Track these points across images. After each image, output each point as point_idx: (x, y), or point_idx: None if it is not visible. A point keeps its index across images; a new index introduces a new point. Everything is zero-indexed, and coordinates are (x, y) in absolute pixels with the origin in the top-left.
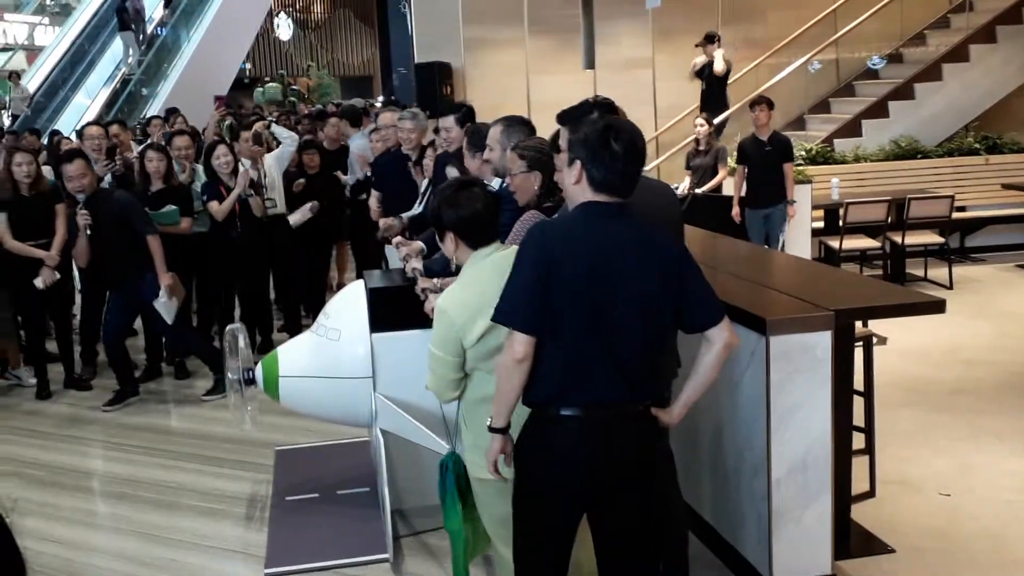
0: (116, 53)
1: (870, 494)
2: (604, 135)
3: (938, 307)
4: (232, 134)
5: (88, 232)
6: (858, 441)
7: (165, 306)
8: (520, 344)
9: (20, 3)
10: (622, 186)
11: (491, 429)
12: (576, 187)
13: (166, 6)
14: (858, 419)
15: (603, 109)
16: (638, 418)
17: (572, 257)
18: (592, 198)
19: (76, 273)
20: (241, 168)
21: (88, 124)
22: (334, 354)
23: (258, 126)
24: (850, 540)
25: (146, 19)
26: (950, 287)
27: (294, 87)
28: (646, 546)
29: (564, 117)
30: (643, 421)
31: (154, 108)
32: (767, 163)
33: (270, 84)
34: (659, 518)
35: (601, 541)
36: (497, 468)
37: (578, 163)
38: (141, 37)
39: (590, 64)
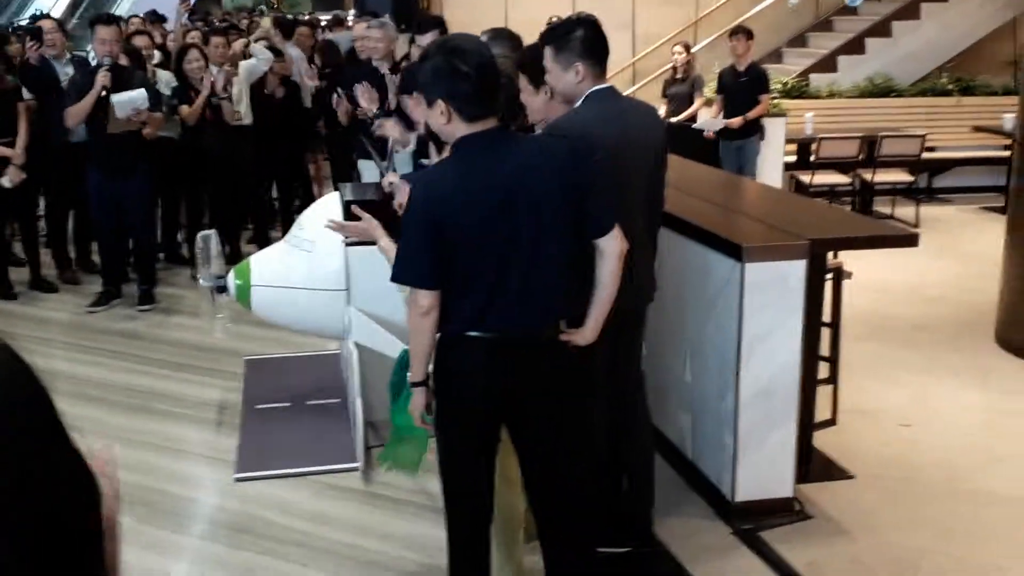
0: None
1: (831, 422)
2: (450, 61)
3: (910, 240)
4: None
5: (103, 93)
6: (822, 371)
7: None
8: (424, 298)
9: None
10: (490, 106)
11: (411, 384)
12: (449, 126)
13: None
14: (823, 350)
15: (588, 27)
16: (547, 342)
17: (460, 204)
18: (468, 131)
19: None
20: (209, 73)
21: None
22: (308, 265)
23: (237, 45)
24: (811, 465)
25: None
26: (916, 226)
27: None
28: (570, 470)
29: (549, 36)
30: (552, 345)
31: (122, 8)
32: (742, 94)
33: None
34: (583, 442)
35: (523, 465)
36: (423, 419)
37: (440, 102)
38: None
39: None
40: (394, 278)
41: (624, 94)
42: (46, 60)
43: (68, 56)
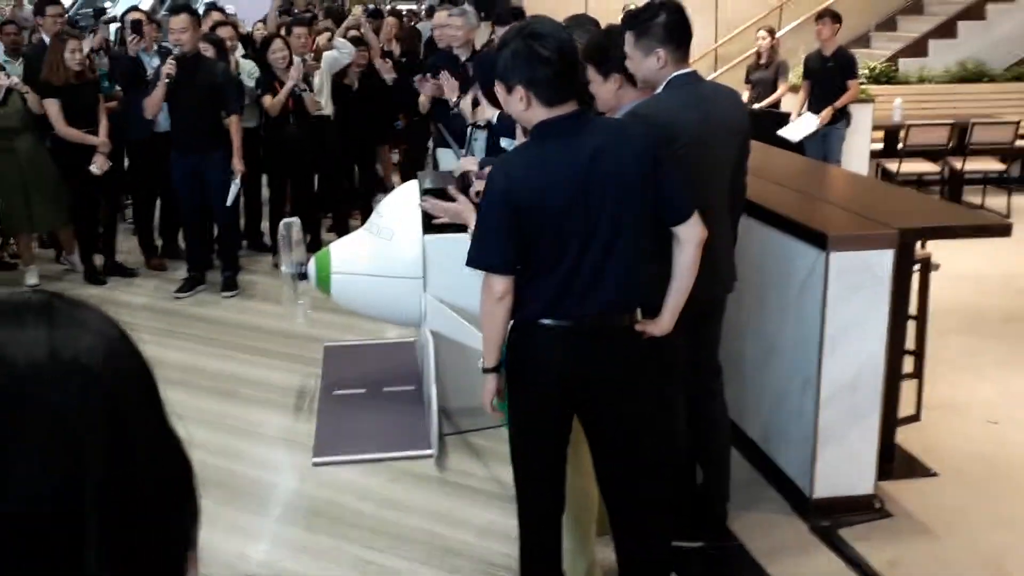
0: None
1: (916, 418)
2: (529, 46)
3: (1004, 230)
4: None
5: (167, 81)
6: (907, 366)
7: (233, 187)
8: (499, 283)
9: None
10: (569, 90)
11: (484, 370)
12: (528, 112)
13: None
14: (909, 343)
15: (670, 11)
16: (622, 331)
17: (537, 187)
18: (546, 116)
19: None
20: (296, 62)
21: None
22: (386, 253)
23: (321, 39)
24: (894, 462)
25: None
26: (1008, 216)
27: None
28: (643, 462)
29: (630, 22)
30: (628, 334)
31: None
32: (829, 80)
33: None
34: (657, 434)
35: (595, 456)
36: (493, 406)
37: (519, 88)
38: None
39: None
40: (469, 262)
41: (707, 79)
42: (136, 57)
43: (155, 47)
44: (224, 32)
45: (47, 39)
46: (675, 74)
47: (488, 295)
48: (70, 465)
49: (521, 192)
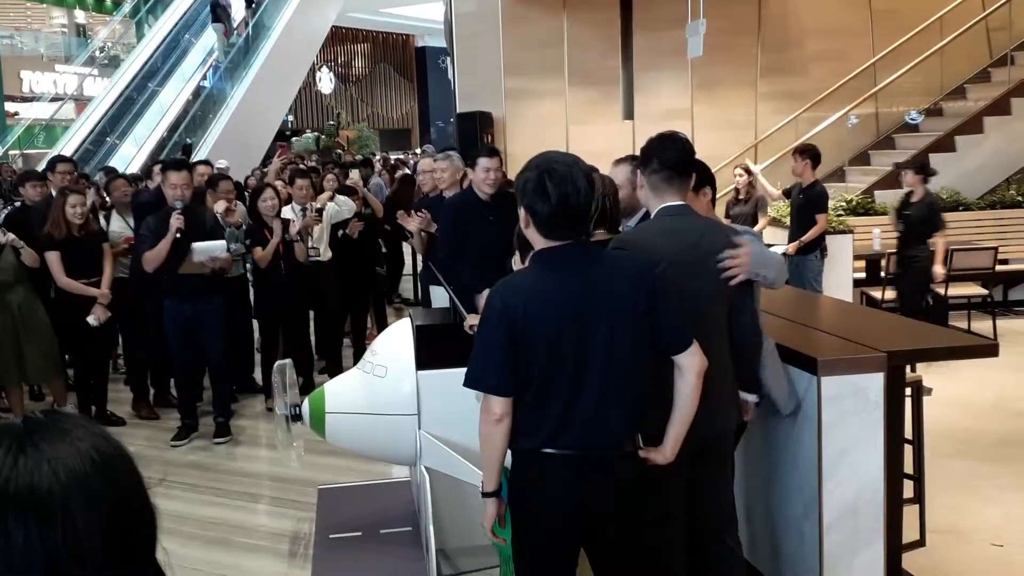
0: (163, 104)
1: (920, 543)
2: (540, 178)
3: (991, 351)
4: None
5: (177, 235)
6: (907, 490)
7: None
8: (497, 405)
9: (71, 56)
10: (566, 232)
11: (483, 494)
12: (529, 231)
13: (248, 6)
14: (907, 467)
15: (668, 146)
16: (625, 458)
17: (535, 312)
18: (546, 243)
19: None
20: (291, 215)
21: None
22: (380, 390)
23: (323, 197)
24: None
25: (231, 15)
26: (994, 339)
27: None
28: None
29: (640, 154)
30: (631, 461)
31: (200, 155)
32: (800, 211)
33: (306, 135)
34: (658, 558)
35: None
36: (494, 531)
37: (523, 210)
38: (231, 29)
39: (629, 115)
40: (467, 382)
41: (701, 214)
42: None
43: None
44: (224, 185)
45: (54, 192)
46: (663, 205)
47: (486, 417)
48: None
49: (516, 316)
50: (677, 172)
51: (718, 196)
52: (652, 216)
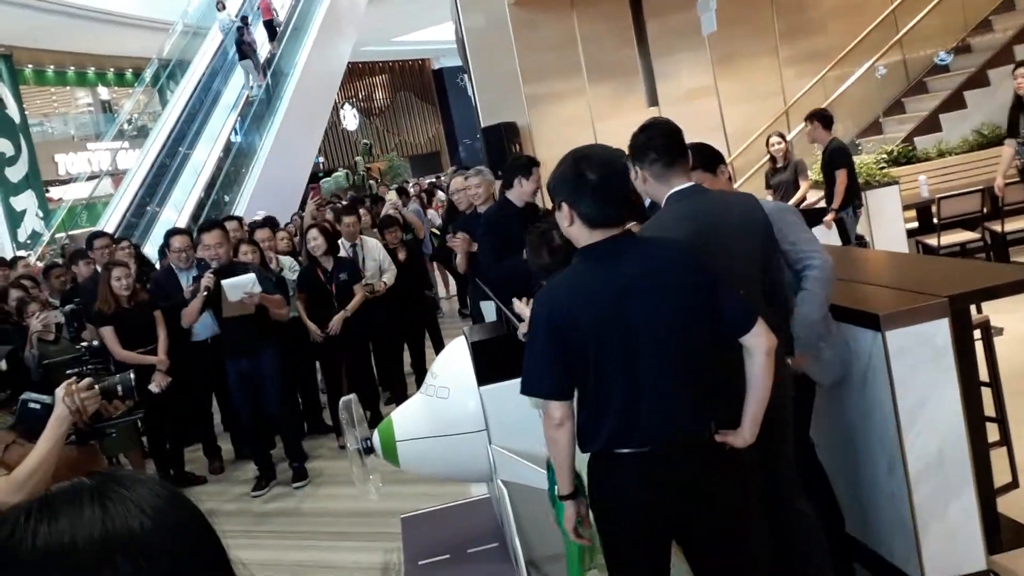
0: (196, 165)
1: (1014, 484)
2: (576, 168)
3: None
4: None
5: (204, 294)
6: (992, 433)
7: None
8: (556, 410)
9: (100, 132)
10: (613, 214)
11: (560, 498)
12: (572, 228)
13: (271, 39)
14: (987, 410)
15: (654, 132)
16: (702, 446)
17: (583, 310)
18: (590, 237)
19: None
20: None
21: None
22: (446, 412)
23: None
24: (1000, 533)
25: (256, 51)
26: None
27: (360, 173)
28: (746, 570)
29: (629, 151)
30: (707, 448)
31: (239, 210)
32: (824, 174)
33: (336, 174)
34: (754, 541)
35: (696, 570)
36: (579, 532)
37: (564, 205)
38: (259, 64)
39: (653, 101)
40: (523, 390)
41: (716, 190)
42: (171, 270)
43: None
44: (261, 234)
45: (99, 270)
46: (672, 191)
47: (548, 422)
48: None
49: (560, 315)
50: (675, 153)
51: (755, 167)
52: (663, 205)
